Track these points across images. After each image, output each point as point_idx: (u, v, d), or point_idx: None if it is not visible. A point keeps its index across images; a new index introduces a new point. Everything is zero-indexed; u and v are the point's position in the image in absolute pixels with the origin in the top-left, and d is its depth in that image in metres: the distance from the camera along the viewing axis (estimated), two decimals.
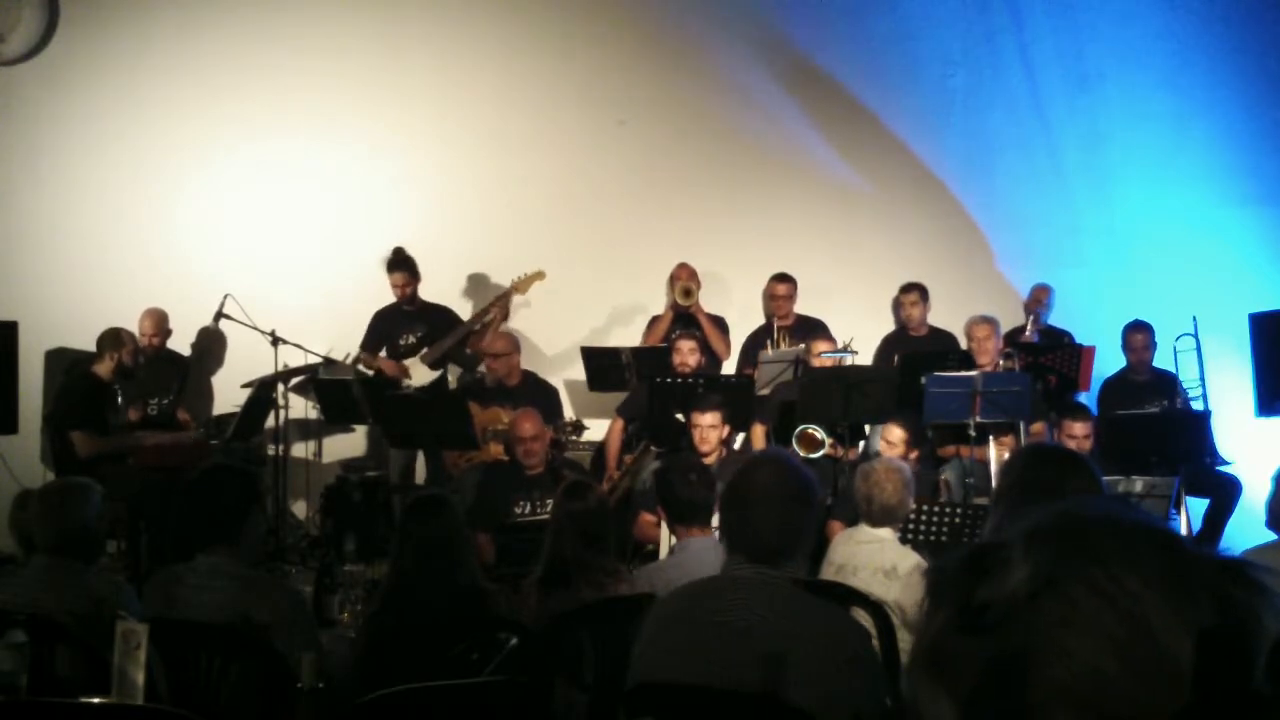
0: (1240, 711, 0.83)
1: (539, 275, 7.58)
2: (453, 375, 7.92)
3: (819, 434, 6.43)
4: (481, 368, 7.65)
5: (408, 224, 8.04)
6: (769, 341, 7.65)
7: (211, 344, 8.05)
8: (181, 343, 7.88)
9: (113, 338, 6.96)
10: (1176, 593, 0.84)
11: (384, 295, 7.71)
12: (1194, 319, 7.50)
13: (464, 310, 7.98)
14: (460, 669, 3.23)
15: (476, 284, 8.28)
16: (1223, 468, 7.08)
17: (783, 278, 7.78)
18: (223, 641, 3.32)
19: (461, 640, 3.30)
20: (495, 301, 7.66)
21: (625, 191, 8.39)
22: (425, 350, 7.63)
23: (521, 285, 7.59)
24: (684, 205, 8.36)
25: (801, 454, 6.16)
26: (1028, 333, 7.65)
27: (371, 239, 7.86)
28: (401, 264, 7.58)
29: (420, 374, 7.62)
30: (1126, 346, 7.56)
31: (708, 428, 5.96)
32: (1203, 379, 7.50)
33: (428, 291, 7.87)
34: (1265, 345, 7.51)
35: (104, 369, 6.91)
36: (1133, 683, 0.82)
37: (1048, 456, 2.96)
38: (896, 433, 5.93)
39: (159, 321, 7.52)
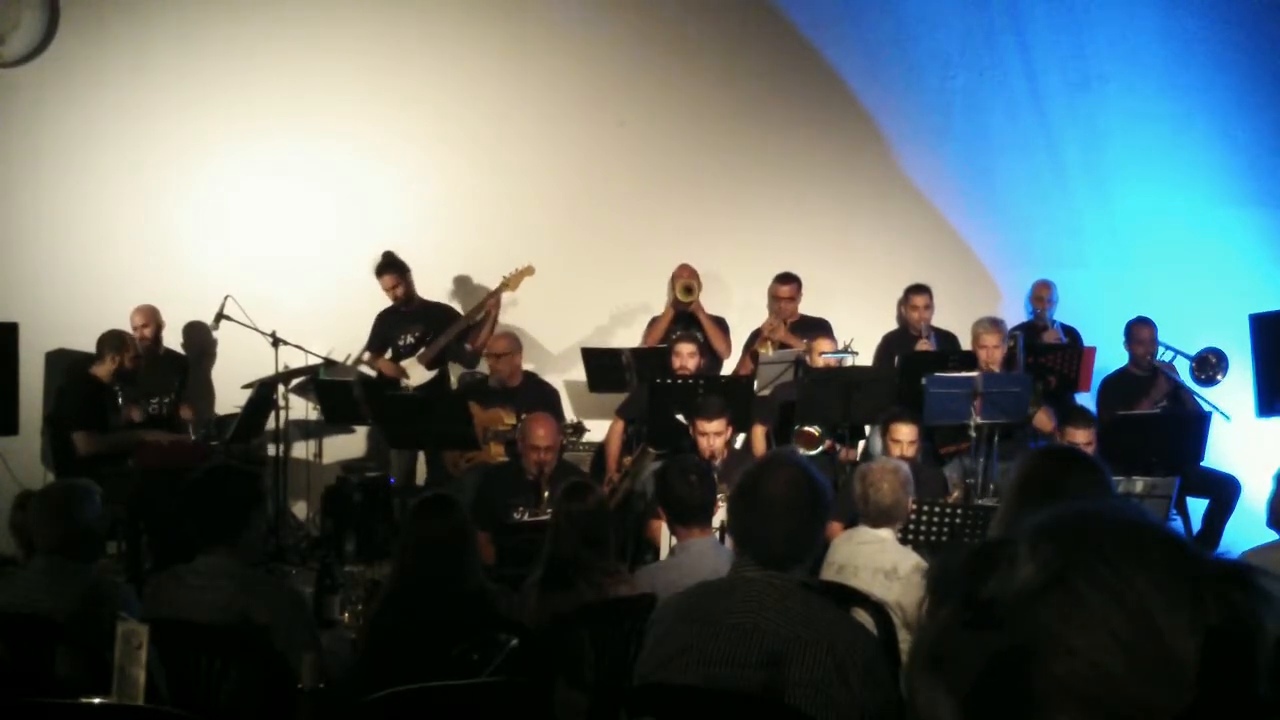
0: (1242, 715, 0.82)
1: (529, 270, 7.55)
2: (454, 375, 7.92)
3: (816, 431, 6.43)
4: (483, 367, 7.64)
5: (408, 224, 8.04)
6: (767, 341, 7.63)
7: (212, 344, 8.05)
8: (182, 342, 7.87)
9: (116, 340, 6.89)
10: (1183, 594, 0.84)
11: (385, 296, 7.70)
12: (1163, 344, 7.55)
13: (465, 310, 7.97)
14: (461, 669, 3.23)
15: (478, 284, 8.28)
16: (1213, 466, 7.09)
17: (786, 278, 7.69)
18: (223, 642, 3.32)
19: (463, 641, 3.30)
20: (487, 299, 7.64)
21: (625, 192, 8.39)
22: (423, 350, 7.63)
23: (512, 281, 7.54)
24: (684, 205, 8.36)
25: (801, 452, 6.13)
26: (1049, 333, 7.64)
27: (372, 239, 7.84)
28: (388, 267, 7.55)
29: (421, 374, 7.61)
30: (1133, 340, 7.47)
31: (714, 435, 5.80)
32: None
33: (429, 292, 7.86)
34: (1265, 345, 7.50)
35: (103, 370, 6.85)
36: (1136, 682, 0.82)
37: (1054, 456, 2.95)
38: (905, 431, 5.78)
39: (149, 313, 7.50)
